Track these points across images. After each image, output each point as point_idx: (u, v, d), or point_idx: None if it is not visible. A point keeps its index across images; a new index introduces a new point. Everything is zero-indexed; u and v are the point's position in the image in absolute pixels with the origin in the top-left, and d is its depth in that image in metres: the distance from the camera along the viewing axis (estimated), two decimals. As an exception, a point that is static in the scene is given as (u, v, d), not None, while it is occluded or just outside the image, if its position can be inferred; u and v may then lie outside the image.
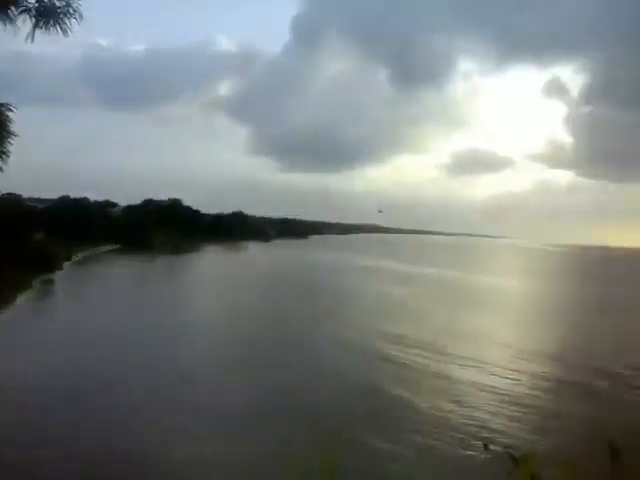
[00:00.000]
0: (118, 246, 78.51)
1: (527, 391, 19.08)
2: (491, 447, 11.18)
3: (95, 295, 38.82)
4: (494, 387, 19.32)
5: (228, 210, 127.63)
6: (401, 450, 13.50)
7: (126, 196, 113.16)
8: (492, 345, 26.76)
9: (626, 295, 53.65)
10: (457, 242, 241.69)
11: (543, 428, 15.15)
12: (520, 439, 14.05)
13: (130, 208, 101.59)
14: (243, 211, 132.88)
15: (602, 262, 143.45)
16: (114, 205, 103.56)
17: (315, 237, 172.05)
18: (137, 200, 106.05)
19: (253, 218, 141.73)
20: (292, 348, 24.50)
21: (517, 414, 16.60)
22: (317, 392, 18.16)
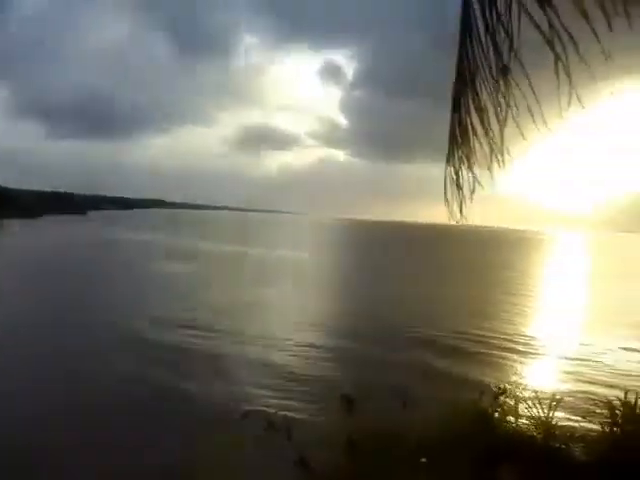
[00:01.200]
0: None
1: (300, 362, 19.56)
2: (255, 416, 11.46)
3: None
4: (270, 361, 19.41)
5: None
6: (167, 439, 12.59)
7: None
8: (272, 319, 27.20)
9: (399, 265, 60.58)
10: (246, 218, 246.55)
11: (304, 394, 15.63)
12: (282, 406, 14.21)
13: None
14: (1, 184, 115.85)
15: (376, 235, 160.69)
16: None
17: (94, 213, 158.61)
18: None
19: (15, 191, 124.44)
20: (42, 341, 21.52)
21: (287, 384, 16.85)
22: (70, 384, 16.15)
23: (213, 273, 44.37)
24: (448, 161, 2.47)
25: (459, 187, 2.45)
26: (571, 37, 1.97)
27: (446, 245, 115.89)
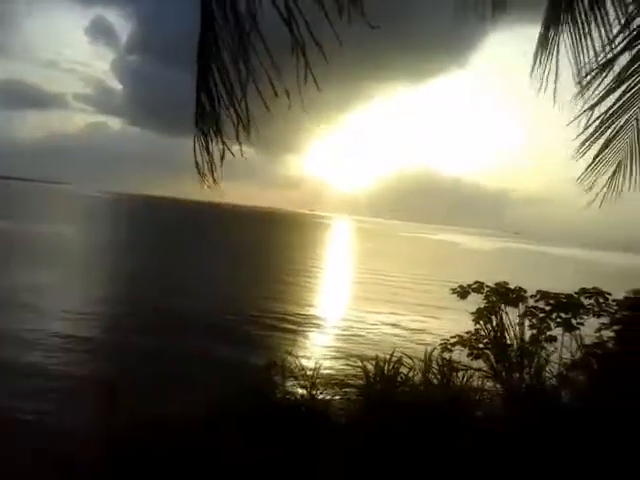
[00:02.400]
0: None
1: (63, 358, 17.81)
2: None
3: None
4: (19, 359, 17.39)
5: None
6: None
7: None
8: (21, 306, 24.30)
9: (181, 246, 59.71)
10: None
11: (63, 392, 14.50)
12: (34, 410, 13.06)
13: None
14: None
15: (157, 213, 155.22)
16: None
17: None
18: None
19: None
20: None
21: (42, 384, 15.37)
22: None
23: None
24: (196, 126, 2.53)
25: (209, 152, 2.53)
26: (306, 22, 2.21)
27: (233, 226, 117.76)
